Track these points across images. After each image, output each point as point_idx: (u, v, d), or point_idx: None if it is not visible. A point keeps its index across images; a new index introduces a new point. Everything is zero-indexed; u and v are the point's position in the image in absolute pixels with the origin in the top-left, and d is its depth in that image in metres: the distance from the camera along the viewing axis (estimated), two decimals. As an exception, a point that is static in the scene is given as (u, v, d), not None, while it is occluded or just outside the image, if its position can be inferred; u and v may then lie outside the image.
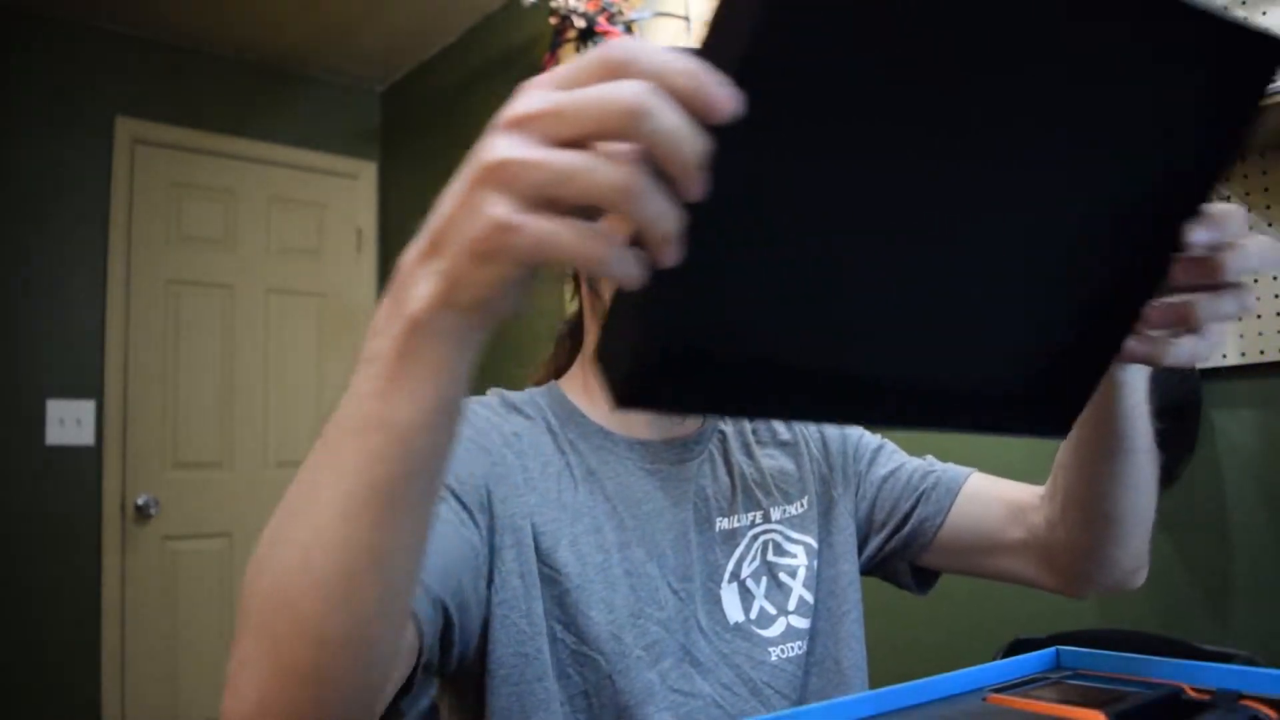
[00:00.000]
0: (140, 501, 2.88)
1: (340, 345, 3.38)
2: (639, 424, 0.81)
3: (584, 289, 0.83)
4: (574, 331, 0.89)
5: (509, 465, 0.73)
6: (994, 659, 0.53)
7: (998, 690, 0.48)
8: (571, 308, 0.89)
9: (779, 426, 0.89)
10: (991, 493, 0.84)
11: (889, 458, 0.90)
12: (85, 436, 2.81)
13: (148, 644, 2.86)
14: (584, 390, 0.83)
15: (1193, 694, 0.45)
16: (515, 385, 0.88)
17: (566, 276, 0.86)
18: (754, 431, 0.88)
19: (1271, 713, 0.42)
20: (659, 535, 0.76)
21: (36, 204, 2.79)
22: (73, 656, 2.72)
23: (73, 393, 2.80)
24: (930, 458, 0.92)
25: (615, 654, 0.70)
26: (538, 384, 0.88)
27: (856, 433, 0.92)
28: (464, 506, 0.68)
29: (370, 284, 3.48)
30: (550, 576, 0.71)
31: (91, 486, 2.82)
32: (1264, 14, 1.31)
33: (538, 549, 0.71)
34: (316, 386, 3.31)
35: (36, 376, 2.75)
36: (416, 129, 3.38)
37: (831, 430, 0.91)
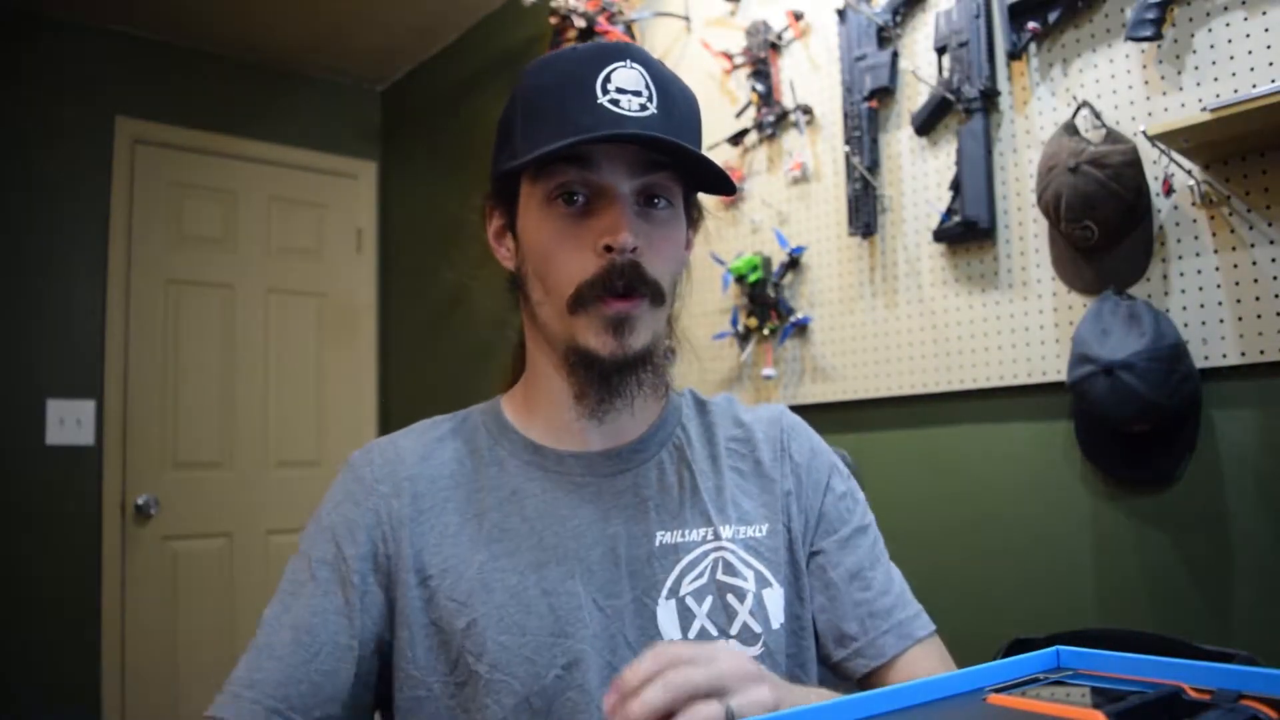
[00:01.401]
0: (140, 501, 2.88)
1: (340, 345, 3.38)
2: (576, 438, 0.80)
3: (522, 301, 0.82)
4: (523, 343, 0.86)
5: (394, 521, 0.76)
6: (994, 659, 0.52)
7: (998, 690, 0.48)
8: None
9: (761, 447, 0.84)
10: (924, 665, 0.77)
11: (861, 547, 0.82)
12: (85, 436, 2.81)
13: (148, 644, 2.85)
14: (523, 404, 0.83)
15: (1193, 694, 0.45)
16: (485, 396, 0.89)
17: (510, 286, 0.84)
18: (730, 441, 0.84)
19: (1272, 713, 0.42)
20: (585, 551, 0.75)
21: (36, 204, 2.79)
22: (73, 656, 2.72)
23: (73, 393, 2.80)
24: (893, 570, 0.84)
25: (529, 676, 0.70)
26: (503, 392, 0.88)
27: (838, 491, 0.84)
28: (347, 586, 0.74)
29: (370, 284, 3.48)
30: (454, 610, 0.72)
31: (91, 486, 2.82)
32: (1264, 13, 1.31)
33: (437, 587, 0.73)
34: (316, 386, 3.31)
35: (36, 376, 2.75)
36: (416, 129, 3.37)
37: (815, 473, 0.84)
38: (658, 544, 0.76)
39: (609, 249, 0.71)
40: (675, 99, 0.75)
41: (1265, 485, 1.34)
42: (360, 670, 0.73)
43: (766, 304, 2.01)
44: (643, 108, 0.72)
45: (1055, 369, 1.55)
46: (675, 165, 0.75)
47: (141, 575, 2.88)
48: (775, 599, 0.76)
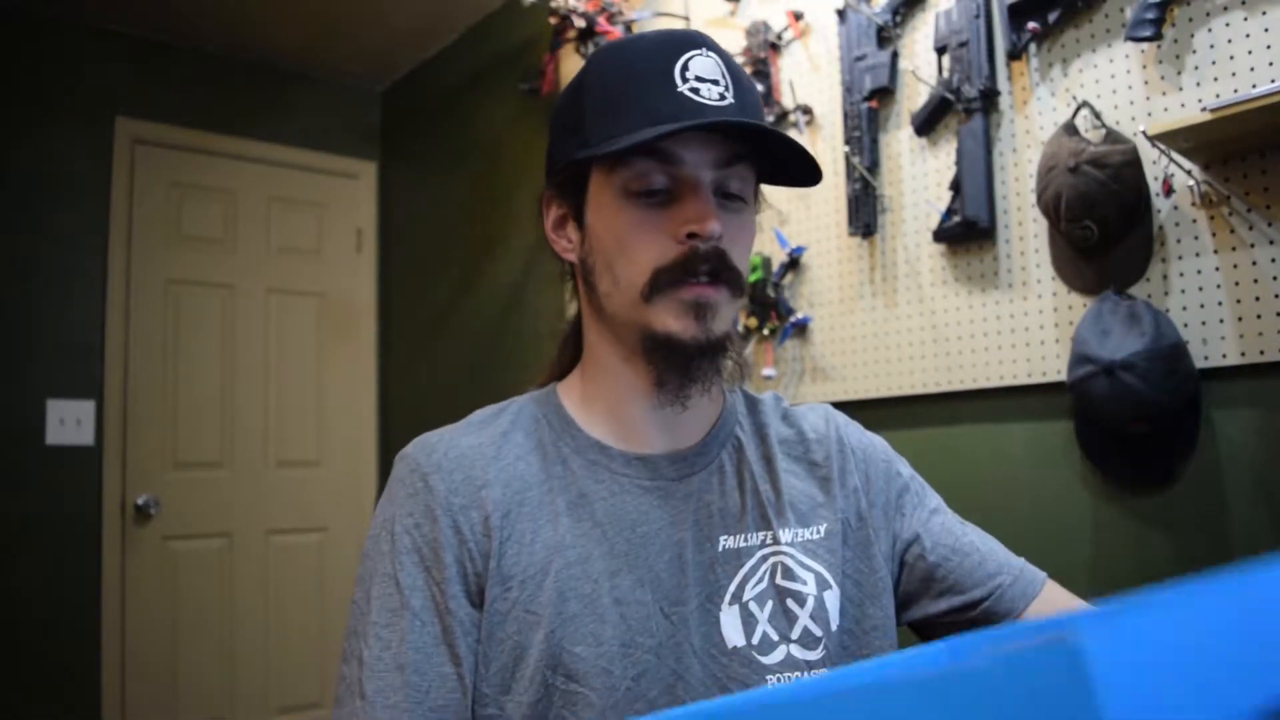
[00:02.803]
0: (140, 501, 2.88)
1: (340, 345, 3.38)
2: (639, 438, 0.77)
3: (582, 292, 0.80)
4: (575, 334, 0.85)
5: (477, 526, 0.71)
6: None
7: None
8: (571, 309, 0.87)
9: (814, 445, 0.83)
10: (1058, 604, 0.79)
11: (947, 522, 0.83)
12: (85, 436, 2.81)
13: (148, 644, 2.86)
14: (582, 400, 0.80)
15: None
16: (513, 389, 0.85)
17: (566, 277, 0.84)
18: (781, 443, 0.82)
19: None
20: (653, 558, 0.73)
21: (36, 204, 2.79)
22: (73, 656, 2.72)
23: (73, 393, 2.80)
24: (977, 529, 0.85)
25: (605, 689, 0.68)
26: (541, 386, 0.84)
27: (905, 475, 0.85)
28: (445, 613, 0.69)
29: (370, 284, 3.48)
30: (531, 622, 0.69)
31: (91, 486, 2.82)
32: (1264, 13, 1.31)
33: (515, 599, 0.70)
34: (316, 386, 3.31)
35: (36, 376, 2.75)
36: (416, 129, 3.37)
37: (878, 464, 0.84)
38: (721, 549, 0.75)
39: (693, 235, 0.70)
40: (747, 88, 0.73)
41: (1265, 485, 1.34)
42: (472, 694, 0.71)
43: (766, 304, 2.01)
44: (721, 96, 0.70)
45: (1055, 369, 1.55)
46: (751, 156, 0.73)
47: (141, 575, 2.88)
48: (834, 600, 0.75)
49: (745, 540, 0.75)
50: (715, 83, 0.70)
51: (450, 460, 0.74)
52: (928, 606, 0.79)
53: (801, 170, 0.74)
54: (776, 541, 0.76)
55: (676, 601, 0.72)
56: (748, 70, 2.07)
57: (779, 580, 0.74)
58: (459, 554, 0.70)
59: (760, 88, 2.03)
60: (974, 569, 0.79)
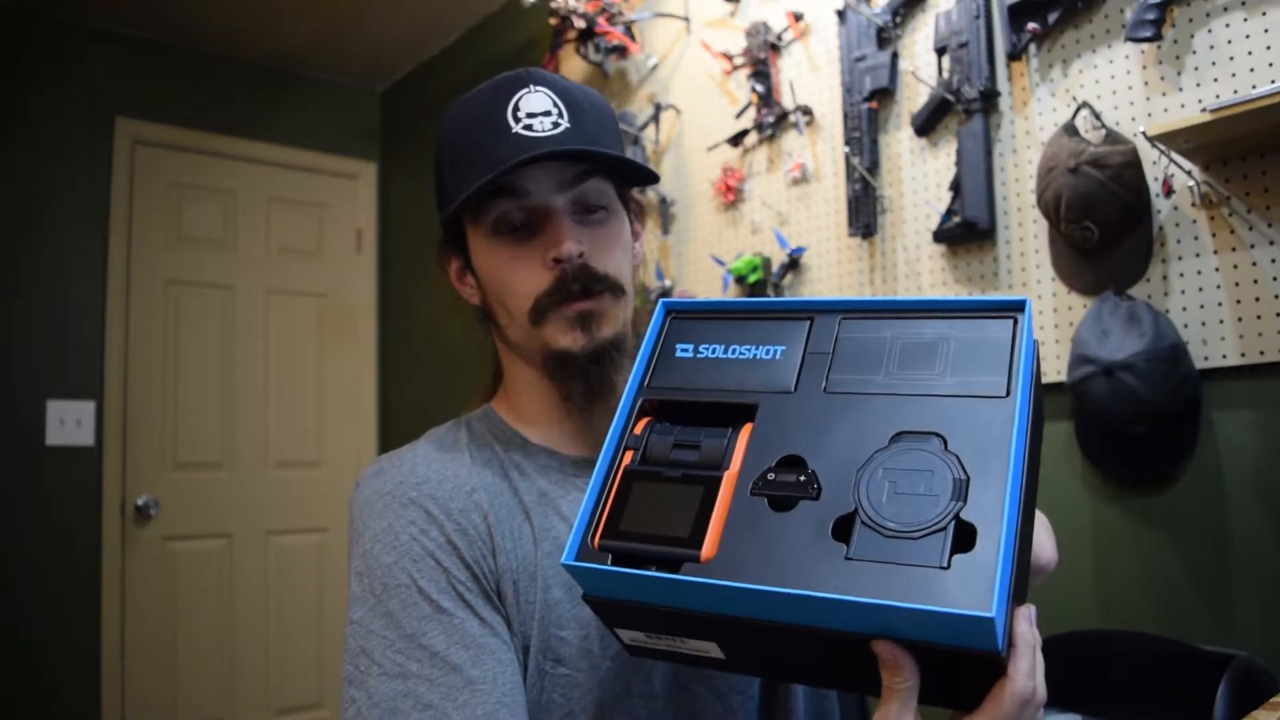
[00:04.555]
0: (140, 502, 2.88)
1: (340, 345, 3.38)
2: (578, 441, 0.81)
3: (493, 327, 0.85)
4: (497, 362, 0.90)
5: (479, 526, 0.73)
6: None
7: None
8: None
9: None
10: None
11: None
12: (85, 437, 2.81)
13: (148, 644, 2.86)
14: (516, 414, 0.83)
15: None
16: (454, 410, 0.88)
17: (480, 317, 0.87)
18: None
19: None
20: None
21: (36, 204, 2.79)
22: (73, 656, 2.72)
23: (73, 393, 2.80)
24: None
25: (590, 668, 0.71)
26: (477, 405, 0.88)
27: None
28: (496, 612, 0.71)
29: (370, 284, 3.48)
30: (530, 612, 0.72)
31: (91, 487, 2.82)
32: (1264, 14, 1.31)
33: (513, 595, 0.72)
34: (316, 387, 3.31)
35: (36, 376, 2.75)
36: (416, 129, 3.37)
37: None
38: None
39: (557, 260, 0.75)
40: (584, 109, 0.78)
41: (1265, 485, 1.34)
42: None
43: (766, 304, 2.00)
44: (555, 125, 0.75)
45: (1055, 369, 1.55)
46: (599, 170, 0.78)
47: (141, 575, 2.88)
48: None
49: None
50: (547, 114, 0.75)
51: (434, 472, 0.75)
52: None
53: (639, 173, 0.81)
54: None
55: None
56: (747, 70, 2.07)
57: None
58: (472, 554, 0.71)
59: (760, 89, 2.03)
60: None
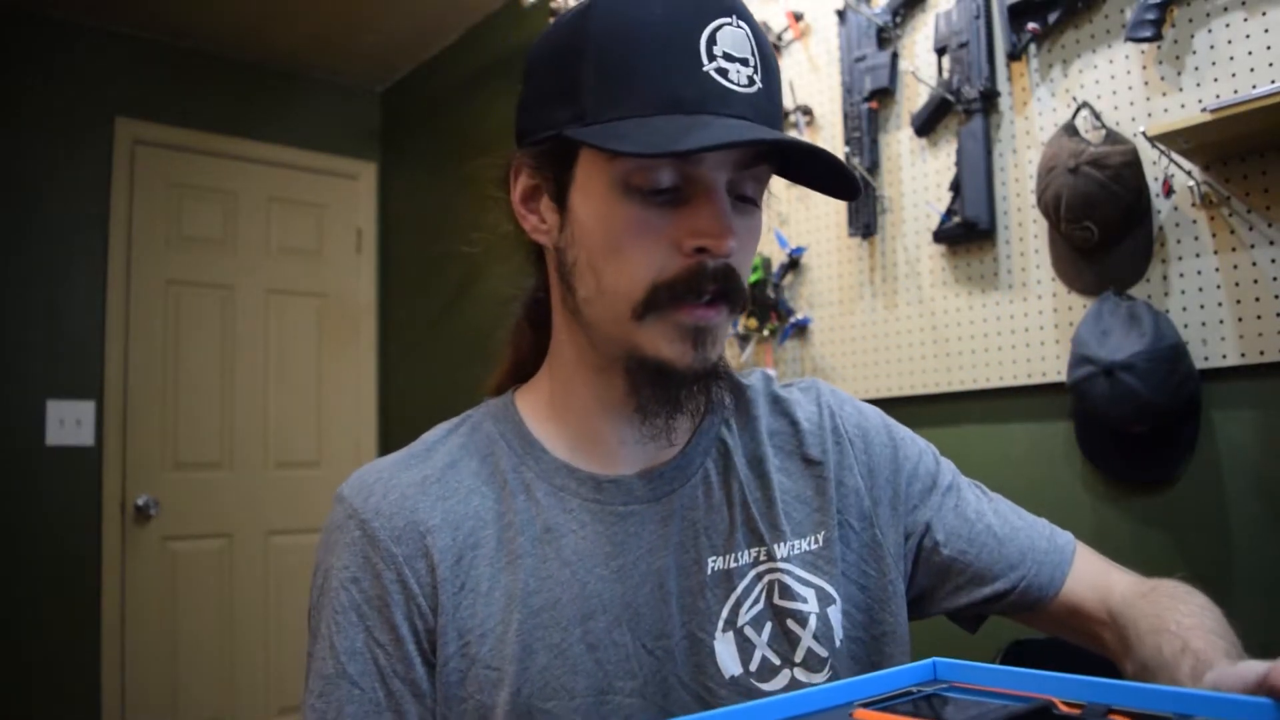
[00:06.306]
0: (140, 502, 2.88)
1: (340, 345, 3.38)
2: (612, 456, 0.69)
3: (555, 283, 0.68)
4: (535, 319, 0.74)
5: (425, 579, 0.63)
6: (993, 661, 0.52)
7: (866, 705, 0.47)
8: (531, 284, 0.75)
9: (808, 438, 0.73)
10: (1090, 578, 0.73)
11: (961, 505, 0.75)
12: (85, 437, 2.81)
13: (148, 644, 2.85)
14: (549, 406, 0.70)
15: (1064, 708, 0.44)
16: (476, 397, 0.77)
17: (532, 258, 0.73)
18: (772, 436, 0.73)
19: None
20: (631, 593, 0.65)
21: (36, 204, 2.79)
22: (73, 656, 2.72)
23: (73, 393, 2.80)
24: (997, 498, 0.79)
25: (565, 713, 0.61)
26: (497, 391, 0.75)
27: (913, 458, 0.76)
28: (381, 673, 0.62)
29: (370, 284, 3.48)
30: (494, 680, 0.61)
31: (91, 487, 2.82)
32: (1264, 14, 1.31)
33: (475, 655, 0.62)
34: (316, 387, 3.31)
35: (36, 376, 2.74)
36: (416, 129, 3.37)
37: (879, 450, 0.75)
38: (709, 572, 0.67)
39: (702, 250, 0.60)
40: (773, 67, 0.63)
41: (1265, 485, 1.34)
42: None
43: (766, 305, 2.01)
44: (750, 80, 0.60)
45: (1055, 370, 1.55)
46: (776, 154, 0.64)
47: (141, 575, 2.88)
48: (838, 615, 0.68)
49: (736, 560, 0.67)
50: (745, 62, 0.60)
51: (389, 504, 0.65)
52: (952, 599, 0.74)
53: (834, 182, 0.65)
54: (771, 558, 0.68)
55: (660, 635, 0.64)
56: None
57: (776, 600, 0.67)
58: (407, 610, 0.62)
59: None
60: (993, 561, 0.72)
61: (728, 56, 0.59)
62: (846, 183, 0.63)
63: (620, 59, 0.59)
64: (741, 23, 0.60)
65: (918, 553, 0.74)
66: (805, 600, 0.67)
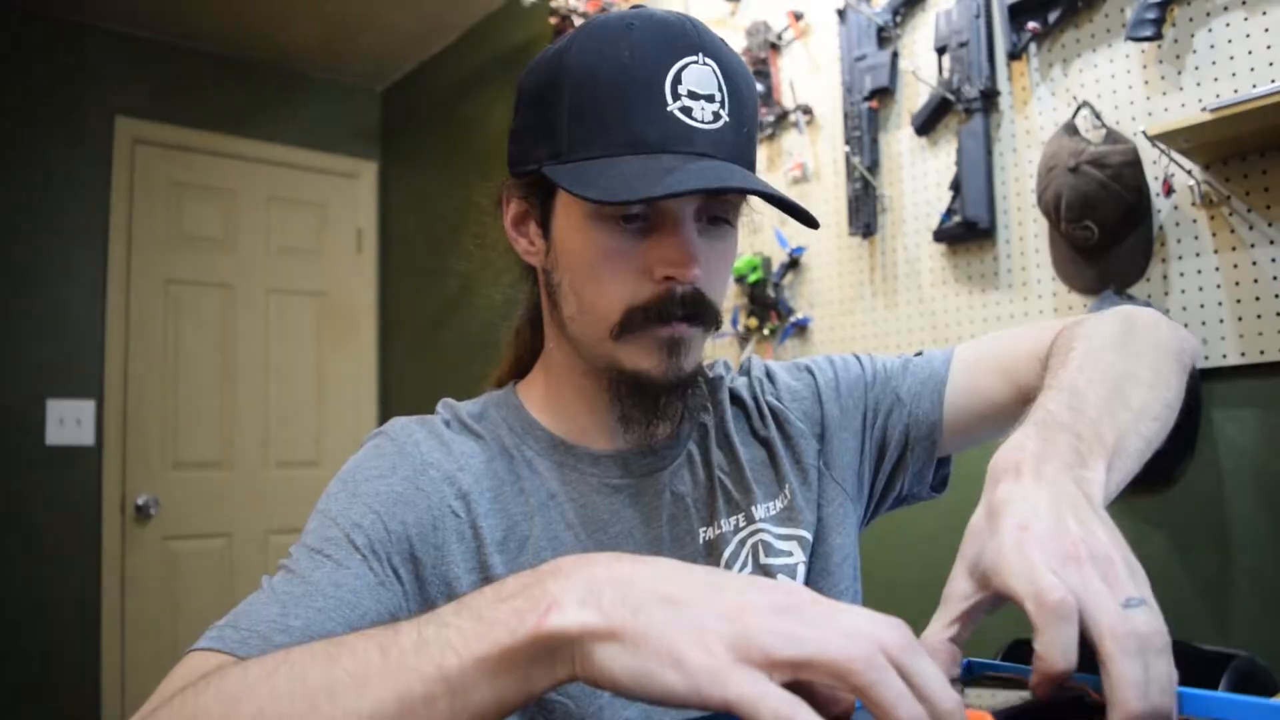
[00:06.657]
0: (140, 501, 2.88)
1: (340, 345, 3.38)
2: (604, 434, 0.74)
3: (544, 298, 0.75)
4: (534, 325, 0.79)
5: (444, 515, 0.66)
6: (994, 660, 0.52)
7: None
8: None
9: (754, 416, 0.80)
10: (982, 365, 0.77)
11: (874, 375, 0.82)
12: (85, 436, 2.81)
13: (148, 644, 2.85)
14: (544, 397, 0.76)
15: (1096, 697, 0.43)
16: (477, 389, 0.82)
17: (525, 276, 0.78)
18: (735, 419, 0.80)
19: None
20: None
21: (36, 204, 2.79)
22: (73, 656, 2.72)
23: (73, 393, 2.80)
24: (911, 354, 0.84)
25: (583, 695, 0.65)
26: (499, 384, 0.81)
27: (852, 375, 0.82)
28: (385, 564, 0.63)
29: (370, 284, 3.48)
30: None
31: (91, 486, 2.82)
32: (1264, 14, 1.31)
33: (491, 574, 0.66)
34: (316, 386, 3.31)
35: (36, 376, 2.74)
36: (416, 129, 3.37)
37: (808, 399, 0.81)
38: (701, 542, 0.72)
39: (669, 279, 0.65)
40: (744, 96, 0.66)
41: (1265, 485, 1.34)
42: None
43: (766, 304, 2.01)
44: (715, 116, 0.63)
45: (1055, 369, 1.55)
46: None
47: (141, 575, 2.88)
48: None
49: (721, 527, 0.73)
50: (710, 99, 0.63)
51: (427, 437, 0.71)
52: (885, 470, 0.81)
53: (796, 213, 0.68)
54: (751, 520, 0.74)
55: None
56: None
57: (762, 559, 0.72)
58: (421, 518, 0.66)
59: (760, 88, 2.03)
60: (895, 400, 0.80)
61: (692, 95, 0.63)
62: (803, 218, 0.67)
63: (590, 100, 0.64)
64: (709, 60, 0.64)
65: (898, 448, 0.80)
66: (790, 554, 0.74)
